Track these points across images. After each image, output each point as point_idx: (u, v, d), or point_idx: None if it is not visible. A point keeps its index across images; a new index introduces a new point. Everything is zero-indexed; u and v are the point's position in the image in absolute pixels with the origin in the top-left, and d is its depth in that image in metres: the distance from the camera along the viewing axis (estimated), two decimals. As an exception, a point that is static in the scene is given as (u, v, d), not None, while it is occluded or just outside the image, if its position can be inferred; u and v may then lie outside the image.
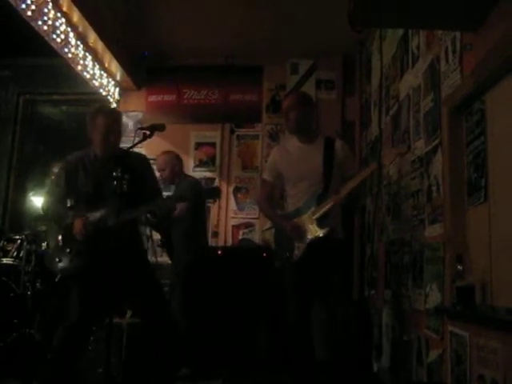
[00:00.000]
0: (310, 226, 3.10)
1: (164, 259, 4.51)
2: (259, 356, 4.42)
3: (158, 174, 4.14)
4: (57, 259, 2.94)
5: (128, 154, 3.03)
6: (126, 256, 2.88)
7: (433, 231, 2.81)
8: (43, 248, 3.68)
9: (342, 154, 3.24)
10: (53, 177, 3.18)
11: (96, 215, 2.90)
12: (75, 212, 2.91)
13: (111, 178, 2.80)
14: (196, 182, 4.38)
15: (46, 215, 3.13)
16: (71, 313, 2.97)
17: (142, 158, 3.25)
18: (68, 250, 2.92)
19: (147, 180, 3.13)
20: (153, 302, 3.04)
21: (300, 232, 3.11)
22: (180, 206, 3.66)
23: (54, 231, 3.05)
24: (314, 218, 3.08)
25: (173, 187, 4.37)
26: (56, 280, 4.09)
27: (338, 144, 3.27)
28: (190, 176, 4.59)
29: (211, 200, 4.93)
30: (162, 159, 4.32)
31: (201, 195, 3.95)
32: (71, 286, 3.06)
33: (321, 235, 3.06)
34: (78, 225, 2.87)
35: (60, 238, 2.95)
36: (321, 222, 3.07)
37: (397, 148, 2.95)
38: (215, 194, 3.28)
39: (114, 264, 2.72)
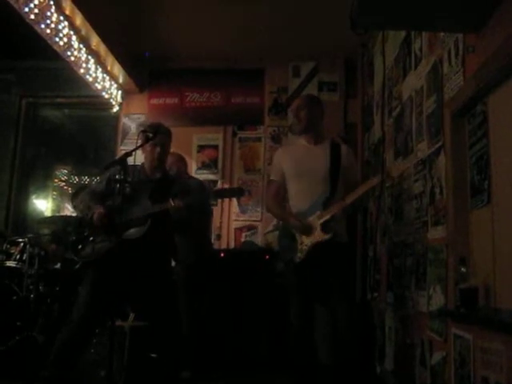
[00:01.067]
0: (315, 230, 3.10)
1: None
2: (261, 358, 4.42)
3: None
4: (80, 246, 3.13)
5: (172, 176, 3.51)
6: (142, 252, 3.02)
7: (436, 233, 2.80)
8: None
9: (348, 159, 3.27)
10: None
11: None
12: (100, 205, 3.12)
13: (147, 184, 3.14)
14: (199, 183, 4.35)
15: (73, 201, 3.35)
16: (75, 311, 3.01)
17: (184, 183, 3.53)
18: (91, 239, 3.11)
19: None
20: (161, 304, 3.08)
21: (308, 228, 3.11)
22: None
23: (80, 223, 3.24)
24: (319, 222, 3.08)
25: None
26: (76, 267, 4.16)
27: (344, 149, 3.30)
28: (193, 177, 4.57)
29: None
30: (166, 161, 4.32)
31: (203, 196, 3.96)
32: (80, 281, 3.13)
33: (324, 240, 3.06)
34: (97, 213, 3.06)
35: (87, 228, 3.15)
36: (326, 227, 3.07)
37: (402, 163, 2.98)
38: (238, 192, 3.44)
39: (130, 259, 2.87)
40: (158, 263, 3.20)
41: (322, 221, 3.08)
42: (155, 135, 3.06)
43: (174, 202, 2.98)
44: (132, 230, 3.02)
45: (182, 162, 4.38)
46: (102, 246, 3.06)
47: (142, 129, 3.29)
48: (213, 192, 4.26)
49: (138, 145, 3.16)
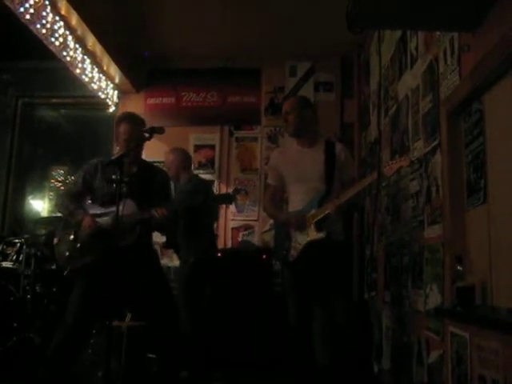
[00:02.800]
0: (308, 229, 3.10)
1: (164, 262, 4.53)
2: (260, 358, 4.42)
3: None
4: (67, 253, 3.06)
5: (151, 166, 3.35)
6: (134, 257, 3.01)
7: (432, 232, 2.81)
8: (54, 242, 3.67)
9: (343, 157, 3.26)
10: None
11: (104, 217, 3.05)
12: (85, 210, 3.09)
13: (127, 182, 3.00)
14: (196, 184, 4.29)
15: (56, 206, 3.30)
16: (68, 314, 2.99)
17: (164, 175, 3.45)
18: (78, 246, 3.04)
19: (160, 197, 3.20)
20: (160, 305, 3.07)
21: (300, 222, 3.11)
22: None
23: (65, 226, 3.17)
24: (313, 221, 3.08)
25: (178, 186, 4.33)
26: (64, 274, 4.13)
27: (339, 147, 3.29)
28: (195, 176, 4.48)
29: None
30: (168, 158, 4.29)
31: (202, 195, 3.96)
32: (74, 283, 3.10)
33: (318, 239, 3.07)
34: (86, 222, 3.02)
35: (72, 233, 3.08)
36: (319, 226, 3.07)
37: (398, 160, 2.95)
38: (228, 199, 3.47)
39: (122, 264, 2.82)
40: (149, 264, 3.18)
41: (315, 219, 3.08)
42: (151, 136, 3.03)
43: (157, 212, 2.97)
44: (121, 238, 2.95)
45: (182, 159, 4.32)
46: (88, 253, 3.02)
47: (141, 128, 3.21)
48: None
49: (134, 145, 3.12)
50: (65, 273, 3.80)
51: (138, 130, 3.11)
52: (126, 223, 2.98)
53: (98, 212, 3.08)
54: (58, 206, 3.26)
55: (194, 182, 4.25)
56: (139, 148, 3.20)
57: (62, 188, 6.53)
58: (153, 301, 3.09)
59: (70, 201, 3.14)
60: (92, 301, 2.97)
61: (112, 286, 2.80)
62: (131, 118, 3.23)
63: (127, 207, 3.01)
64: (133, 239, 3.01)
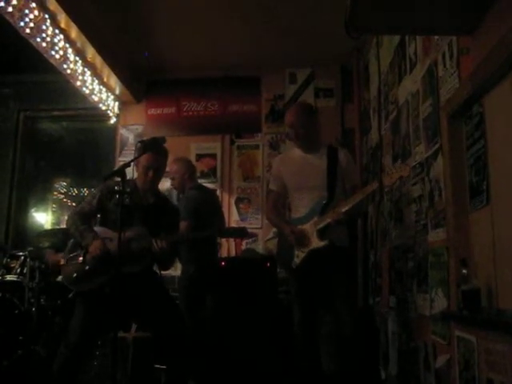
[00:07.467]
0: (311, 236, 3.09)
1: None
2: (265, 367, 4.39)
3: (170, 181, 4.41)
4: (74, 275, 3.02)
5: (165, 199, 3.38)
6: (140, 283, 2.99)
7: (436, 236, 2.80)
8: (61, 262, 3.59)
9: (346, 163, 3.25)
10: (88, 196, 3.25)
11: (114, 242, 2.93)
12: (96, 233, 3.03)
13: (141, 209, 3.07)
14: (196, 197, 4.23)
15: (67, 224, 3.18)
16: (71, 334, 2.97)
17: (176, 211, 3.44)
18: (87, 268, 3.00)
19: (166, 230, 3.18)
20: (169, 320, 3.05)
21: (300, 238, 3.10)
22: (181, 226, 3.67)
23: (72, 247, 3.13)
24: (315, 228, 3.08)
25: (183, 196, 4.32)
26: (70, 296, 4.11)
27: (342, 153, 3.28)
28: (198, 185, 4.46)
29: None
30: (171, 168, 4.27)
31: (203, 206, 3.97)
32: (78, 303, 3.06)
33: (320, 247, 3.06)
34: (94, 245, 2.96)
35: (81, 255, 3.05)
36: (321, 234, 3.06)
37: (399, 169, 2.94)
38: (240, 233, 3.35)
39: (127, 290, 2.77)
40: (154, 285, 3.17)
41: (318, 228, 3.07)
42: (145, 152, 3.03)
43: (156, 243, 2.95)
44: (130, 264, 2.93)
45: (186, 168, 4.31)
46: (96, 277, 2.98)
47: (139, 140, 3.23)
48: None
49: (137, 155, 3.14)
50: (70, 295, 3.75)
51: (159, 162, 3.19)
52: (134, 249, 2.96)
53: (109, 236, 3.01)
54: (68, 224, 3.15)
55: (199, 192, 4.25)
56: (155, 180, 3.18)
57: (65, 200, 6.55)
58: (159, 314, 3.06)
59: (82, 221, 3.07)
60: (95, 321, 2.96)
61: (115, 308, 2.76)
62: (155, 149, 3.17)
63: (137, 233, 2.99)
64: (141, 267, 2.99)
